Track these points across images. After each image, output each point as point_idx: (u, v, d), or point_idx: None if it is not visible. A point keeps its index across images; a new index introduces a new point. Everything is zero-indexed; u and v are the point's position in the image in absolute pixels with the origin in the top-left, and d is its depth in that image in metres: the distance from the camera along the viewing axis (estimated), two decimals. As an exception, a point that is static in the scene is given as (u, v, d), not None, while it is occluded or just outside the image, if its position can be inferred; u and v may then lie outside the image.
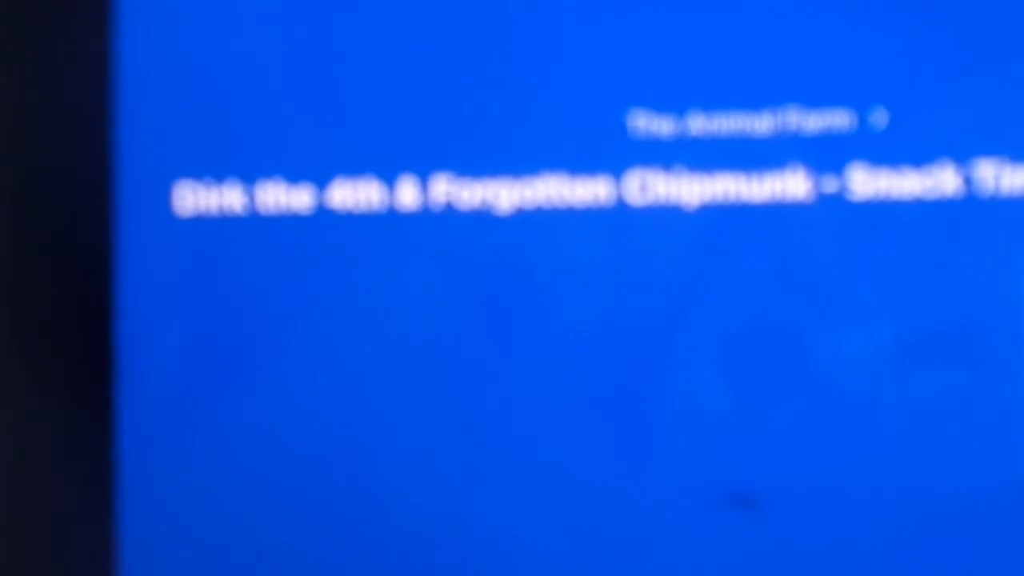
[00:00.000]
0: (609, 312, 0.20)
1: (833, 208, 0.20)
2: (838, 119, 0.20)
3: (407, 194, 0.21)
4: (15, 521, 0.22)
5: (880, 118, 0.20)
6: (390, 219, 0.21)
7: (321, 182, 0.21)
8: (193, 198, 0.21)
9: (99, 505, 0.21)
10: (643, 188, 0.20)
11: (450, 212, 0.21)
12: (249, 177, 0.21)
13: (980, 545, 0.19)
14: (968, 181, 0.19)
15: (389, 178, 0.21)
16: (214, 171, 0.21)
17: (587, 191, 0.20)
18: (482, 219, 0.21)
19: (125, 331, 0.21)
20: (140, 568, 0.21)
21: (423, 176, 0.21)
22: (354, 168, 0.21)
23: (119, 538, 0.21)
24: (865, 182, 0.20)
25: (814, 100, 0.20)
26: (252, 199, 0.21)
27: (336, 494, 0.20)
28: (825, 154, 0.20)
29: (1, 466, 0.22)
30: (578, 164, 0.20)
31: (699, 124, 0.20)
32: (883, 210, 0.19)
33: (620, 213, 0.20)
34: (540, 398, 0.20)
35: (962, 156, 0.19)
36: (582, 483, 0.20)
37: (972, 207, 0.19)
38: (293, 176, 0.21)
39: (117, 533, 0.21)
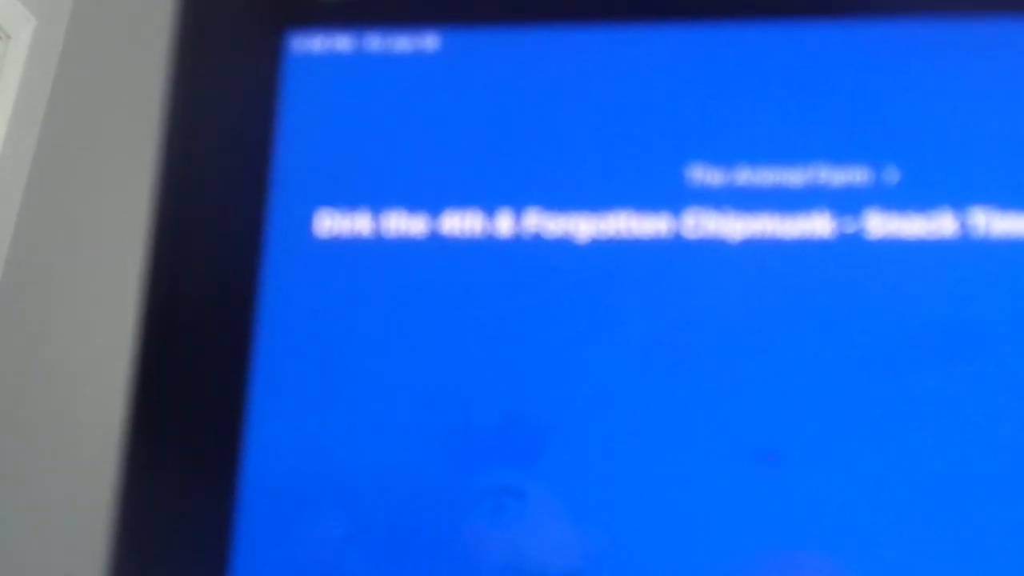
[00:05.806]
0: (665, 313, 0.24)
1: (851, 245, 0.24)
2: (858, 174, 0.24)
3: (504, 224, 0.26)
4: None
5: (892, 174, 0.24)
6: (489, 244, 0.26)
7: (434, 212, 0.26)
8: (330, 223, 0.26)
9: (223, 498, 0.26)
10: (696, 225, 0.25)
11: (538, 239, 0.25)
12: (376, 206, 0.26)
13: (1012, 502, 0.21)
14: (964, 226, 0.23)
15: (490, 210, 0.26)
16: (348, 201, 0.26)
17: (651, 226, 0.25)
18: (564, 246, 0.25)
19: (265, 330, 0.26)
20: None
21: (518, 209, 0.26)
22: (461, 201, 0.26)
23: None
24: (879, 225, 0.24)
25: (839, 158, 0.24)
26: (378, 225, 0.26)
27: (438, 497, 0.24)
28: (846, 202, 0.24)
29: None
30: (645, 204, 0.25)
31: (744, 175, 0.25)
32: (892, 247, 0.24)
33: (677, 244, 0.25)
34: (610, 380, 0.24)
35: (959, 205, 0.24)
36: (640, 444, 0.24)
37: (967, 247, 0.23)
38: (411, 206, 0.26)
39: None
